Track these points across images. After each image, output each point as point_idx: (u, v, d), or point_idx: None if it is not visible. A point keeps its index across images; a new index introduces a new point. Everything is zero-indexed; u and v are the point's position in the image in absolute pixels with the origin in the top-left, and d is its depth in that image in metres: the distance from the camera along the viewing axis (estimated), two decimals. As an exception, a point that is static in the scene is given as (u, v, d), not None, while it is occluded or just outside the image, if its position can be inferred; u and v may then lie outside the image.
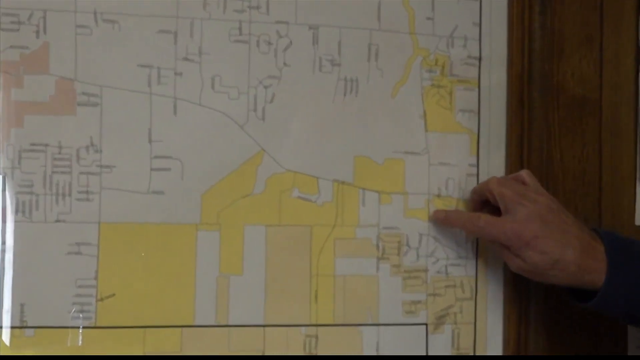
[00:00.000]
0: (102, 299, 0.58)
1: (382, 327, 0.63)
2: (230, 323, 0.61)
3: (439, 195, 0.66)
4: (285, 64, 0.63)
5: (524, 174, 0.62)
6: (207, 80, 0.62)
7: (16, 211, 0.57)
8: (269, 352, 0.61)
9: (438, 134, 0.66)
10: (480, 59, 0.67)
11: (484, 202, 0.64)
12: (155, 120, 0.61)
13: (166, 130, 0.61)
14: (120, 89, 0.60)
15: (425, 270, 0.66)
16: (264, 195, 0.62)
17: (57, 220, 0.59)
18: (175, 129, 0.61)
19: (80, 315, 0.58)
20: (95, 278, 0.60)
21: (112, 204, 0.60)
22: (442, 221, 0.62)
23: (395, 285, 0.64)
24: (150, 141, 0.61)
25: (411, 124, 0.65)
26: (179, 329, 0.60)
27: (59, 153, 0.59)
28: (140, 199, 0.60)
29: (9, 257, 0.57)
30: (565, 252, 0.55)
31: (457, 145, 0.67)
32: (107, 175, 0.60)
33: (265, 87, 0.62)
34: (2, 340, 0.57)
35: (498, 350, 0.66)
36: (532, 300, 0.68)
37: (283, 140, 0.62)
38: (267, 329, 0.61)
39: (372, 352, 0.63)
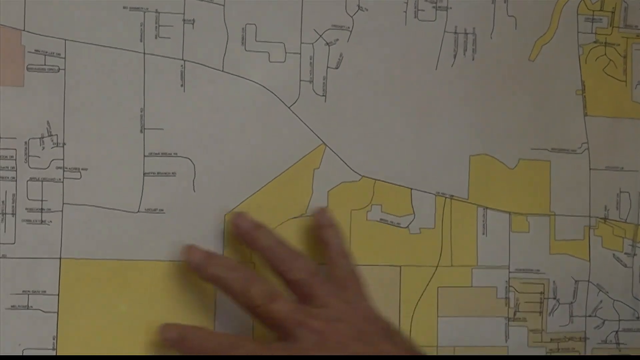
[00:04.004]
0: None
1: None
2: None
3: (605, 219, 0.54)
4: (359, 6, 0.50)
5: (327, 228, 0.47)
6: (234, 33, 0.48)
7: None
8: None
9: (605, 120, 0.54)
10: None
11: None
12: (151, 97, 0.47)
13: (168, 113, 0.47)
14: (96, 45, 0.47)
15: (584, 339, 0.54)
16: None
17: None
18: (184, 111, 0.48)
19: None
20: (54, 347, 0.46)
21: (80, 230, 0.46)
22: (174, 344, 0.45)
23: (536, 363, 0.54)
24: (142, 129, 0.47)
25: (561, 104, 0.53)
26: None
27: None
28: (127, 221, 0.47)
29: None
30: None
31: (635, 140, 0.55)
32: (73, 183, 0.46)
33: (328, 44, 0.49)
34: None
35: None
36: None
37: (355, 130, 0.50)
38: None
39: None
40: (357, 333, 0.43)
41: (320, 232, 0.47)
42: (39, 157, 0.45)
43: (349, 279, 0.45)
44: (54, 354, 0.45)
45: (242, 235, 0.46)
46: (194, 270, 0.45)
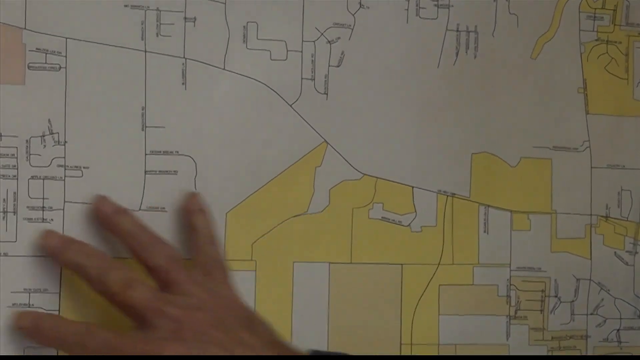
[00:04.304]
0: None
1: None
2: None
3: (607, 218, 0.54)
4: (361, 4, 0.50)
5: (196, 213, 0.46)
6: (236, 31, 0.48)
7: None
8: None
9: (607, 118, 0.54)
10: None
11: None
12: (152, 95, 0.47)
13: (170, 111, 0.47)
14: (97, 43, 0.46)
15: (585, 337, 0.54)
16: (327, 215, 0.50)
17: None
18: (185, 109, 0.48)
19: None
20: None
21: (82, 229, 0.46)
22: (27, 331, 0.44)
23: (536, 361, 0.54)
24: (144, 127, 0.47)
25: (563, 102, 0.54)
26: None
27: None
28: None
29: None
30: None
31: (637, 138, 0.55)
32: (74, 181, 0.46)
33: (330, 42, 0.49)
34: None
35: None
36: None
37: (357, 128, 0.50)
38: None
39: None
40: (216, 321, 0.42)
41: (189, 218, 0.46)
42: (40, 155, 0.45)
43: (214, 267, 0.45)
44: (56, 353, 0.45)
45: (103, 219, 0.44)
46: (50, 256, 0.44)
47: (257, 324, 0.43)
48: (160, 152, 0.46)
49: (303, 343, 0.48)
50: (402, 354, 0.49)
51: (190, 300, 0.42)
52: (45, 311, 0.44)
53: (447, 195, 0.50)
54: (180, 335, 0.40)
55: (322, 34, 0.49)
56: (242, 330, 0.42)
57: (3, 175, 0.45)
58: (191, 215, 0.45)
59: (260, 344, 0.42)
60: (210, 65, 0.47)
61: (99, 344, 0.41)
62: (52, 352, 0.45)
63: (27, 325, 0.43)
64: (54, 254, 0.43)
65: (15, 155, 0.45)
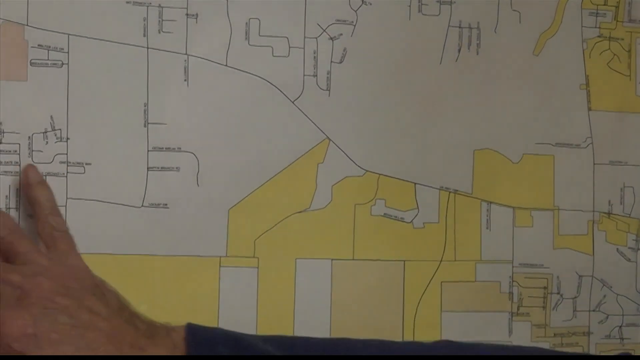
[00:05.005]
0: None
1: None
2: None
3: (609, 214, 0.54)
4: (363, 1, 0.50)
5: (36, 185, 0.45)
6: (238, 27, 0.48)
7: None
8: None
9: (609, 114, 0.54)
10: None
11: None
12: (154, 92, 0.47)
13: (172, 107, 0.47)
14: (99, 39, 0.46)
15: (587, 334, 0.54)
16: (330, 212, 0.50)
17: None
18: (187, 106, 0.48)
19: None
20: None
21: (84, 225, 0.46)
22: None
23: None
24: (146, 124, 0.46)
25: (565, 98, 0.54)
26: None
27: (0, 142, 0.45)
28: (131, 216, 0.47)
29: None
30: None
31: (639, 134, 0.55)
32: (76, 177, 0.46)
33: (332, 39, 0.49)
34: None
35: None
36: None
37: (359, 125, 0.50)
38: None
39: None
40: (61, 288, 0.41)
41: (30, 190, 0.45)
42: (42, 151, 0.45)
43: (58, 237, 0.44)
44: None
45: None
46: None
47: (105, 291, 0.42)
48: (163, 148, 0.46)
49: (305, 339, 0.47)
50: (404, 350, 0.49)
51: (35, 268, 0.41)
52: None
53: (450, 192, 0.50)
54: (24, 303, 0.40)
55: (325, 30, 0.48)
56: (89, 298, 0.41)
57: (6, 172, 0.44)
58: (32, 188, 0.45)
59: (107, 311, 0.41)
60: (212, 61, 0.47)
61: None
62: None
63: None
64: None
65: (18, 152, 0.45)
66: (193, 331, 0.42)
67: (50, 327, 0.39)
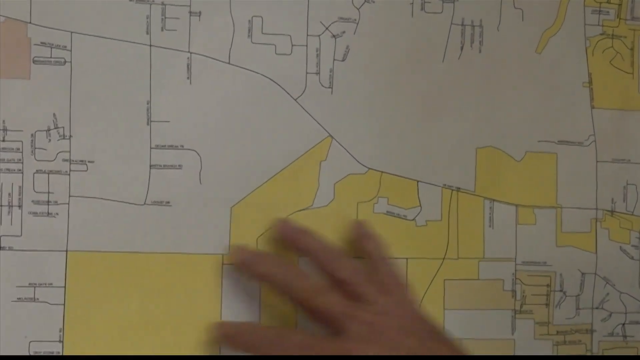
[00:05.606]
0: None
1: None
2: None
3: (612, 212, 0.53)
4: None
5: (366, 238, 0.47)
6: (241, 25, 0.48)
7: None
8: None
9: (612, 112, 0.53)
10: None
11: None
12: (157, 89, 0.46)
13: (175, 105, 0.47)
14: (102, 37, 0.46)
15: (590, 332, 0.53)
16: (332, 209, 0.49)
17: (0, 248, 0.45)
18: (190, 103, 0.47)
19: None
20: (60, 340, 0.45)
21: (87, 223, 0.46)
22: (228, 340, 0.46)
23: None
24: (149, 122, 0.46)
25: (568, 96, 0.53)
26: None
27: (3, 140, 0.45)
28: (133, 213, 0.46)
29: None
30: None
31: None
32: (79, 175, 0.45)
33: (335, 37, 0.49)
34: None
35: None
36: None
37: (362, 122, 0.49)
38: None
39: None
40: (407, 328, 0.43)
41: (361, 243, 0.47)
42: (45, 149, 0.45)
43: (394, 284, 0.46)
44: (61, 347, 0.45)
45: (288, 239, 0.46)
46: (241, 268, 0.45)
47: (445, 336, 0.44)
48: (165, 146, 0.46)
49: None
50: (407, 348, 0.48)
51: (380, 308, 0.43)
52: (48, 305, 0.44)
53: (452, 190, 0.50)
54: (374, 339, 0.41)
55: (327, 28, 0.48)
56: (431, 341, 0.43)
57: (8, 170, 0.44)
58: (362, 240, 0.47)
59: (449, 351, 0.43)
60: (215, 59, 0.47)
61: (295, 345, 0.42)
62: (58, 344, 0.45)
63: (230, 332, 0.45)
64: (245, 267, 0.45)
65: (21, 150, 0.44)
66: None
67: None
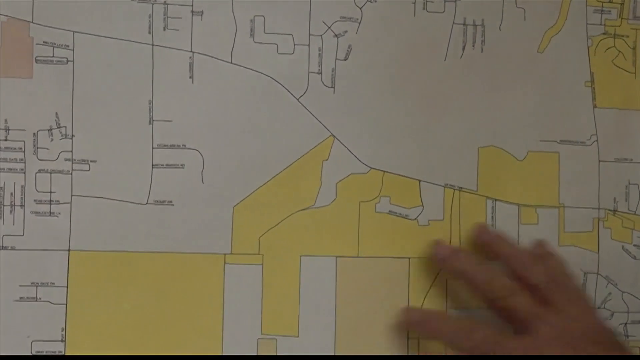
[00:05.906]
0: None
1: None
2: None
3: (614, 212, 0.52)
4: None
5: (548, 255, 0.49)
6: (243, 24, 0.47)
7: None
8: None
9: (614, 112, 0.53)
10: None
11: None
12: (159, 89, 0.46)
13: (177, 105, 0.47)
14: (104, 36, 0.45)
15: None
16: (334, 209, 0.49)
17: (2, 248, 0.44)
18: (192, 103, 0.47)
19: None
20: (62, 339, 0.45)
21: (89, 222, 0.45)
22: (415, 326, 0.48)
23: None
24: (151, 121, 0.46)
25: (570, 95, 0.52)
26: None
27: (5, 139, 0.45)
28: (135, 213, 0.46)
29: None
30: None
31: None
32: (81, 175, 0.45)
33: (337, 36, 0.49)
34: None
35: None
36: None
37: (364, 121, 0.49)
38: None
39: None
40: (592, 337, 0.44)
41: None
42: (47, 149, 0.44)
43: (577, 296, 0.47)
44: (63, 346, 0.44)
45: (485, 243, 0.49)
46: (439, 264, 0.48)
47: (627, 348, 0.45)
48: (167, 145, 0.45)
49: (309, 337, 0.47)
50: (410, 348, 0.49)
51: (568, 315, 0.44)
52: (50, 304, 0.44)
53: (454, 189, 0.49)
54: (563, 342, 0.43)
55: (329, 27, 0.48)
56: (615, 352, 0.44)
57: (10, 169, 0.44)
58: (544, 258, 0.48)
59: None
60: (217, 58, 0.46)
61: (482, 338, 0.44)
62: (61, 344, 0.45)
63: (417, 318, 0.47)
64: (443, 262, 0.47)
65: (23, 149, 0.44)
66: None
67: None
